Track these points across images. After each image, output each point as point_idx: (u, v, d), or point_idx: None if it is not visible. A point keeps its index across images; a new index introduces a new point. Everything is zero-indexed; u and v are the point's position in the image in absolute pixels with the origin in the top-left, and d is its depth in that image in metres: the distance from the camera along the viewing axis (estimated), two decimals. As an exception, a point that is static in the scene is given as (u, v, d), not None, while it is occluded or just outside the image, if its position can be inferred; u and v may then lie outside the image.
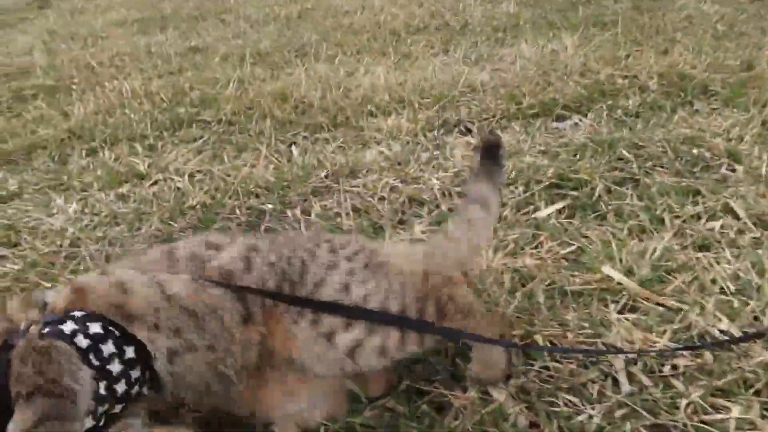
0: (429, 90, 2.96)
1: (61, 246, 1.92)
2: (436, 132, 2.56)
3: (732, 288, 1.48)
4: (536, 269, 1.61)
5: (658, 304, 1.46)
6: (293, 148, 2.49)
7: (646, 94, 2.71)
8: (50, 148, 2.77)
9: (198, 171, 2.40)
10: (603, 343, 1.34)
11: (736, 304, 1.43)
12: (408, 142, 2.50)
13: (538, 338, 1.38)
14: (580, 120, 2.57)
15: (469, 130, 2.58)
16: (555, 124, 2.57)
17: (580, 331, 1.38)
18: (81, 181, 2.41)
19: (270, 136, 2.66)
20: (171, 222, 2.01)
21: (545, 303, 1.49)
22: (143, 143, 2.72)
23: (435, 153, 2.37)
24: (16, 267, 1.82)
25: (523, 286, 1.57)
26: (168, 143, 2.70)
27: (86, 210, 2.16)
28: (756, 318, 1.40)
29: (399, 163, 2.31)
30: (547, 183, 2.03)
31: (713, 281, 1.51)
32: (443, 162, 2.28)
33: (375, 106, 2.86)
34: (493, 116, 2.65)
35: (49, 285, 1.70)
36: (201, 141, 2.70)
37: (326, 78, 3.26)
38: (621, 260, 1.59)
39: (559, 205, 1.92)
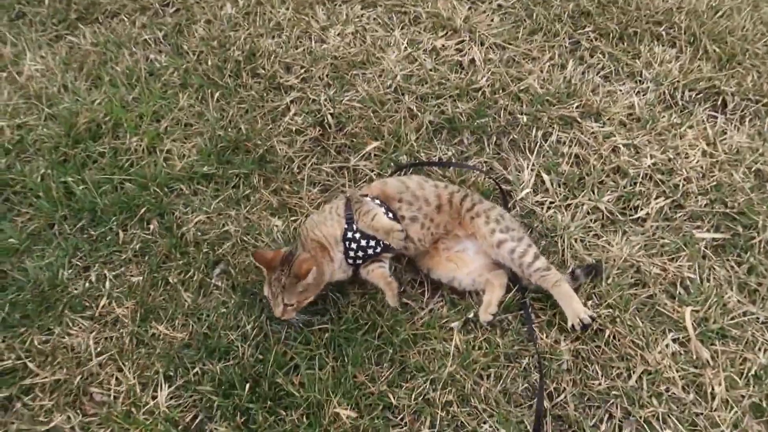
0: (724, 26, 3.07)
1: (389, 87, 2.93)
2: (689, 98, 2.90)
3: None
4: (652, 280, 2.39)
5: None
6: (570, 62, 3.02)
7: None
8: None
9: (493, 45, 3.10)
10: (642, 357, 2.22)
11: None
12: (663, 96, 2.91)
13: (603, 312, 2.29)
14: (831, 145, 2.74)
15: (725, 105, 2.89)
16: (804, 138, 2.78)
17: (632, 337, 2.25)
18: (421, 7, 3.23)
19: (565, 24, 3.16)
20: (460, 99, 2.89)
21: (631, 308, 2.32)
22: (469, -19, 3.35)
23: (674, 119, 2.82)
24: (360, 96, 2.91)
25: (634, 285, 2.38)
26: (487, -8, 3.32)
27: (412, 54, 3.06)
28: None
29: (639, 120, 2.84)
30: (729, 211, 2.55)
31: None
32: (671, 137, 2.76)
33: (667, 28, 3.12)
34: (758, 101, 2.87)
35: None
36: (510, 2, 3.28)
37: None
38: (705, 309, 2.31)
39: (718, 236, 2.50)
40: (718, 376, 2.14)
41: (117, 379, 2.17)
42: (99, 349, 2.23)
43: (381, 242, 2.26)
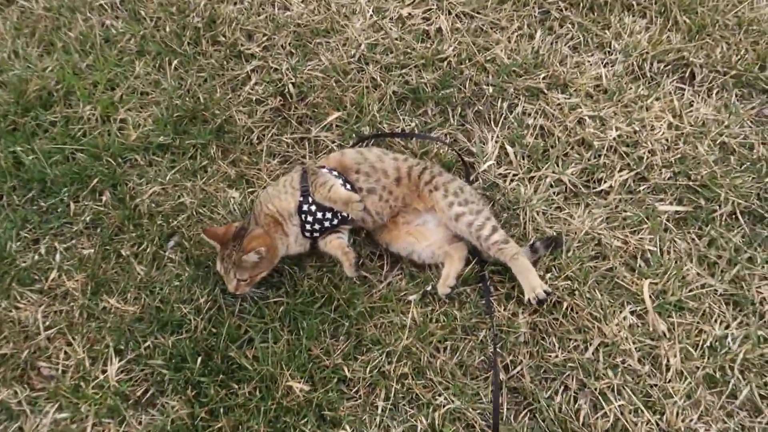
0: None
1: (353, 57, 2.85)
2: (655, 68, 2.85)
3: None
4: (613, 253, 2.37)
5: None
6: (538, 32, 2.95)
7: None
8: None
9: (461, 13, 3.03)
10: (599, 330, 2.21)
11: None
12: (631, 67, 2.86)
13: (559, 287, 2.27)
14: (795, 119, 2.73)
15: (693, 77, 2.85)
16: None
17: (590, 309, 2.23)
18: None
19: (535, -8, 3.09)
20: (425, 69, 2.81)
21: (590, 280, 2.30)
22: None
23: (641, 91, 2.78)
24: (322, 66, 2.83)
25: (594, 258, 2.36)
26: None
27: (378, 23, 2.97)
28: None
29: (606, 91, 2.79)
30: (692, 183, 2.52)
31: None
32: (638, 109, 2.72)
33: (638, -1, 3.06)
34: (725, 73, 2.83)
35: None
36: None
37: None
38: (664, 282, 2.29)
39: (680, 208, 2.48)
40: (674, 347, 2.15)
41: (66, 353, 2.12)
42: (48, 323, 2.18)
43: (338, 214, 2.21)
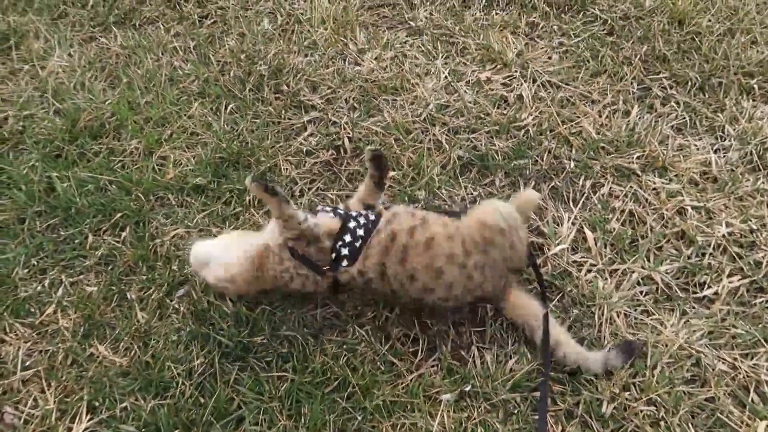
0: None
1: (419, 116, 2.58)
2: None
3: None
4: (716, 379, 1.82)
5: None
6: (635, 108, 2.57)
7: None
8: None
9: (548, 82, 2.71)
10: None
11: None
12: (749, 156, 2.39)
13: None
14: None
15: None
16: None
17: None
18: (471, 38, 2.91)
19: (635, 68, 2.73)
20: (498, 136, 2.49)
21: (682, 410, 1.76)
22: (528, 16, 3.01)
23: (761, 184, 2.29)
24: (382, 124, 2.58)
25: (690, 382, 1.82)
26: (545, 29, 2.95)
27: (452, 84, 2.71)
28: None
29: (716, 180, 2.32)
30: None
31: None
32: (756, 204, 2.22)
33: (761, 82, 2.62)
34: None
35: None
36: (574, 40, 2.89)
37: None
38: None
39: (811, 332, 1.91)
40: None
41: (36, 400, 1.84)
42: (28, 363, 1.92)
43: None
